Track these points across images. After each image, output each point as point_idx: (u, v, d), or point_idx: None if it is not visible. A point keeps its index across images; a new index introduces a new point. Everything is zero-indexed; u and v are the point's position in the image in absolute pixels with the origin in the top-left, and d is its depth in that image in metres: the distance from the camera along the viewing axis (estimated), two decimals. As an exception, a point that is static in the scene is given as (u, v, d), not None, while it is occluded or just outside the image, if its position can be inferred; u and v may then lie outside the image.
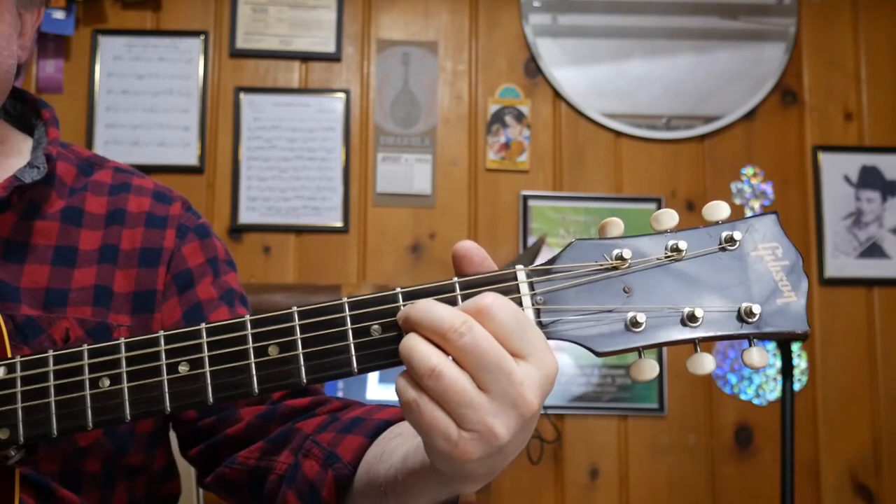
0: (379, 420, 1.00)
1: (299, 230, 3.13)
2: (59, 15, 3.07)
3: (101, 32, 3.16)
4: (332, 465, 0.97)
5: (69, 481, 1.06)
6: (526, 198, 3.15)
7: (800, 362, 3.10)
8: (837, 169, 3.20)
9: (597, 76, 3.24)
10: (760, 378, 3.09)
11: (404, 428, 0.95)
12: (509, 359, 0.72)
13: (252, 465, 1.09)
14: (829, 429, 3.10)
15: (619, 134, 3.21)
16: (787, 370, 2.52)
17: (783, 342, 2.51)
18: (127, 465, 1.11)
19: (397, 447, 0.91)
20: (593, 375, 3.04)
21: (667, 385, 3.07)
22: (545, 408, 2.98)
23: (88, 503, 1.08)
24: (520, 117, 3.20)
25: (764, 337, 0.76)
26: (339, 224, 3.13)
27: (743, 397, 3.08)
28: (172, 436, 1.22)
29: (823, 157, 3.20)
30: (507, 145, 3.18)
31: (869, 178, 3.19)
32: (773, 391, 3.08)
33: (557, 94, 3.22)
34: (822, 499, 3.07)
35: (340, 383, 2.75)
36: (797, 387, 3.07)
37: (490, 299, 0.72)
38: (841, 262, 3.15)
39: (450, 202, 3.17)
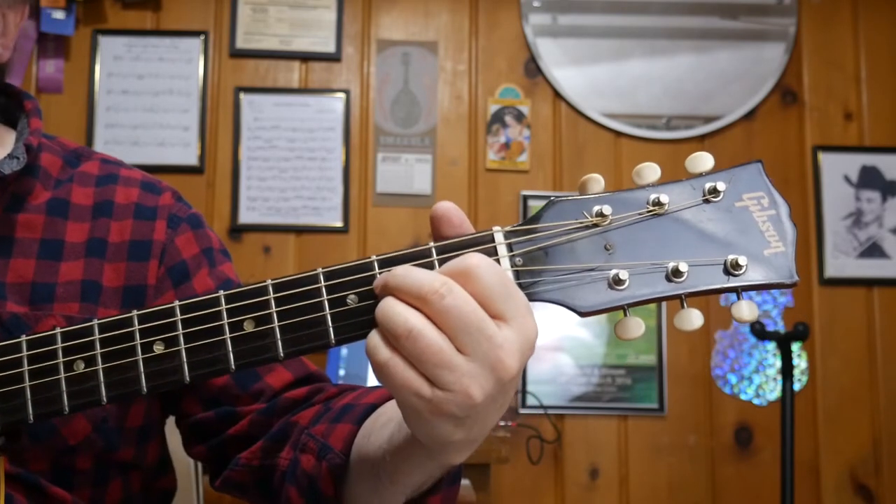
0: (366, 404, 0.99)
1: (299, 230, 3.12)
2: (59, 15, 3.08)
3: (101, 32, 3.17)
4: (325, 457, 0.96)
5: (60, 479, 1.04)
6: (526, 198, 3.14)
7: (800, 362, 3.08)
8: (837, 169, 3.19)
9: (597, 76, 3.24)
10: (760, 378, 3.07)
11: (389, 408, 0.94)
12: (489, 321, 0.70)
13: (256, 465, 1.07)
14: (829, 429, 3.09)
15: (619, 134, 3.21)
16: (787, 370, 2.51)
17: (783, 340, 2.51)
18: (118, 461, 1.10)
19: (383, 427, 0.90)
20: (593, 375, 3.02)
21: (667, 385, 3.06)
22: (545, 407, 2.97)
23: (82, 500, 1.06)
24: (520, 117, 3.20)
25: (752, 289, 0.74)
26: (339, 224, 3.12)
27: (743, 397, 3.07)
28: (168, 431, 1.21)
29: (823, 157, 3.19)
30: (507, 145, 3.18)
31: (869, 178, 3.18)
32: (773, 391, 3.07)
33: (557, 94, 3.22)
34: (822, 499, 3.05)
35: (342, 370, 2.74)
36: (797, 387, 3.05)
37: (475, 260, 0.71)
38: (841, 262, 3.14)
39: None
